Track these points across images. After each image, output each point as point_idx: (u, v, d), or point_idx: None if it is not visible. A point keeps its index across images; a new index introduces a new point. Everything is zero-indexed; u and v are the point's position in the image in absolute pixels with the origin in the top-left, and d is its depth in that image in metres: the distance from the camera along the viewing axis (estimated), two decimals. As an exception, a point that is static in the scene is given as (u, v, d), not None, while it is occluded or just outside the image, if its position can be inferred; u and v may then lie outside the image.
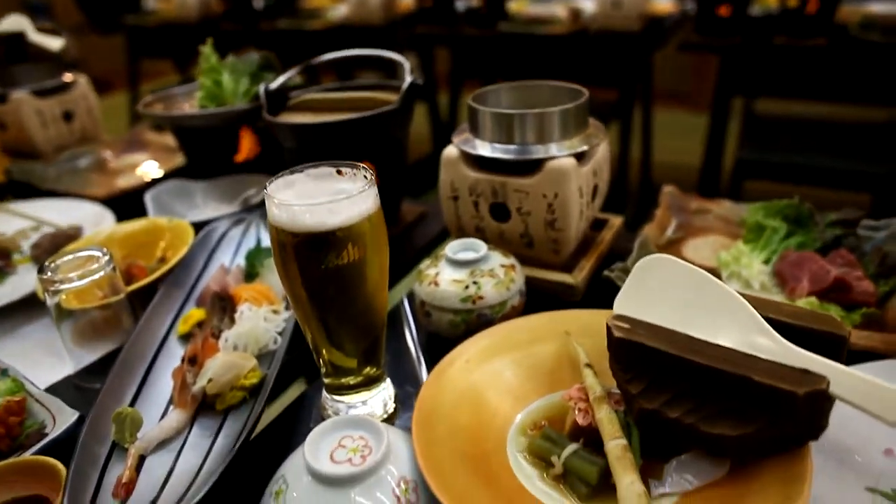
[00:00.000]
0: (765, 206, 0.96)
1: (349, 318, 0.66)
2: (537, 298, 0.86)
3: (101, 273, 0.79)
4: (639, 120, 3.18)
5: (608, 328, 0.63)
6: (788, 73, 2.53)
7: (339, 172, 0.66)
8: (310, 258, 0.61)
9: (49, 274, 0.77)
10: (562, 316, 0.77)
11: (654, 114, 3.33)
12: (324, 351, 0.69)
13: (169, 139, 1.59)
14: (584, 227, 0.90)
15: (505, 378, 0.72)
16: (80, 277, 0.78)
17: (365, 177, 0.64)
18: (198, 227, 1.03)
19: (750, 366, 0.56)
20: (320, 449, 0.58)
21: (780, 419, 0.55)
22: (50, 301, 0.79)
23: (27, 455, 0.66)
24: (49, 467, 0.64)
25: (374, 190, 0.63)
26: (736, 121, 2.83)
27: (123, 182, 1.38)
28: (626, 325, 0.63)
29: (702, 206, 1.05)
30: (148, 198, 1.16)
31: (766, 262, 0.90)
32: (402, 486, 0.57)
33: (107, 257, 0.81)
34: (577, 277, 0.88)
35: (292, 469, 0.59)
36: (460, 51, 3.57)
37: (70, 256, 0.81)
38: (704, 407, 0.58)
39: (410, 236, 1.13)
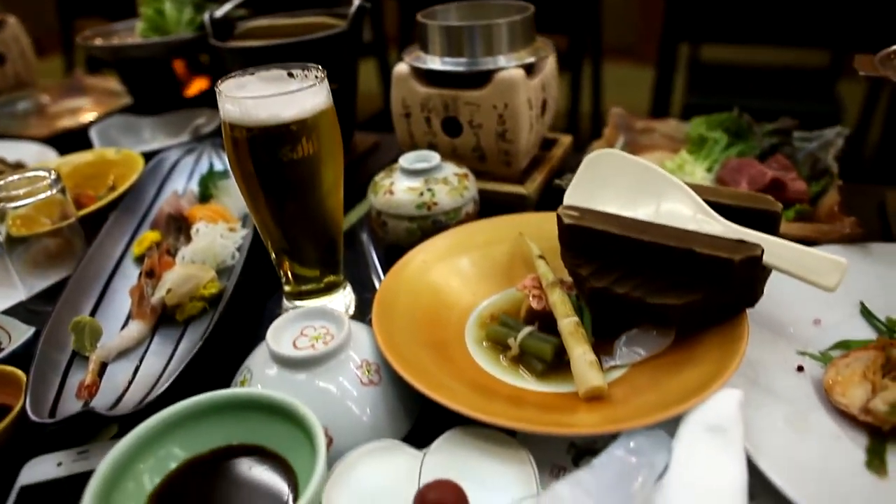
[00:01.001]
0: (706, 120, 1.00)
1: (307, 218, 0.67)
2: (491, 211, 0.87)
3: (50, 192, 0.78)
4: (588, 74, 3.21)
5: (558, 217, 0.65)
6: (733, 16, 2.58)
7: (290, 75, 0.66)
8: (265, 153, 0.61)
9: (-4, 193, 0.76)
10: (516, 219, 0.79)
11: (603, 67, 3.36)
12: (284, 259, 0.70)
13: (111, 83, 1.54)
14: (534, 141, 0.92)
15: (461, 275, 0.74)
16: (27, 196, 0.76)
17: (316, 76, 0.64)
18: (148, 158, 1.01)
19: (691, 240, 0.60)
20: (282, 338, 0.60)
21: (720, 287, 0.58)
22: (-1, 226, 0.78)
23: (-17, 367, 0.66)
24: (7, 374, 0.64)
25: (326, 86, 0.64)
26: (682, 73, 2.88)
27: (65, 123, 1.33)
28: (575, 213, 0.65)
29: (648, 125, 1.08)
30: (94, 132, 1.14)
31: (709, 170, 0.93)
32: (364, 367, 0.59)
33: (54, 176, 0.79)
34: (529, 188, 0.90)
35: (256, 360, 0.61)
36: (408, 4, 3.52)
37: (16, 177, 0.79)
38: (651, 281, 0.61)
39: (364, 165, 1.14)
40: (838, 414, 0.56)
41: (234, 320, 0.71)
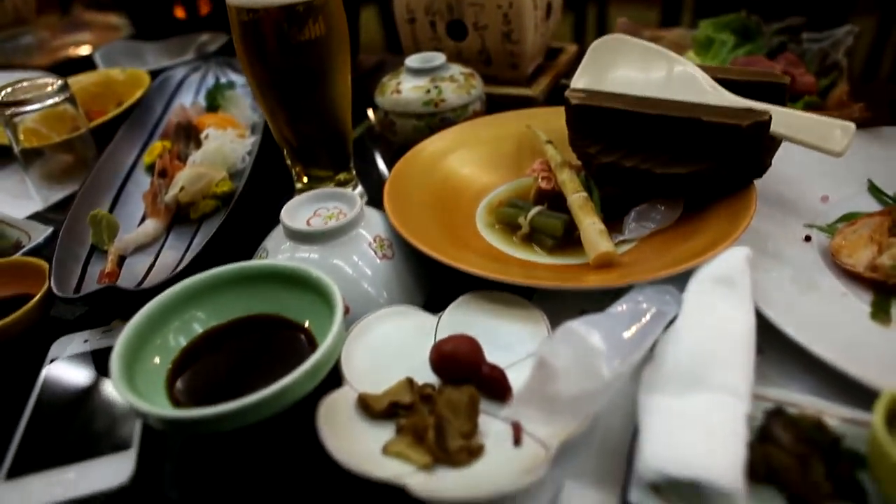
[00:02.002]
0: (714, 22, 0.99)
1: (315, 106, 0.67)
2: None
3: (58, 98, 0.78)
4: (593, 17, 3.15)
5: (565, 99, 0.66)
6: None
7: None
8: (272, 35, 0.61)
9: (4, 97, 0.76)
10: (523, 113, 0.80)
11: (609, 11, 3.30)
12: (295, 156, 0.70)
13: (111, 18, 1.53)
14: (539, 45, 0.92)
15: (471, 166, 0.75)
16: (35, 101, 0.77)
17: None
18: (153, 77, 1.01)
19: (699, 110, 0.60)
20: (297, 216, 0.61)
21: (728, 155, 0.59)
22: (11, 137, 0.78)
23: (5, 260, 0.67)
24: (31, 265, 0.65)
25: (331, -33, 0.63)
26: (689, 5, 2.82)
27: (68, 53, 1.33)
28: (582, 94, 0.65)
29: (655, 34, 1.07)
30: (98, 56, 1.13)
31: (716, 70, 0.93)
32: (378, 242, 0.60)
33: (60, 83, 0.80)
34: (535, 90, 0.90)
35: (272, 239, 0.62)
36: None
37: (25, 83, 0.79)
38: (658, 154, 0.61)
39: (368, 83, 1.13)
40: (844, 275, 0.57)
41: (248, 211, 0.72)
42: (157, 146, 0.86)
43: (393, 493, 0.41)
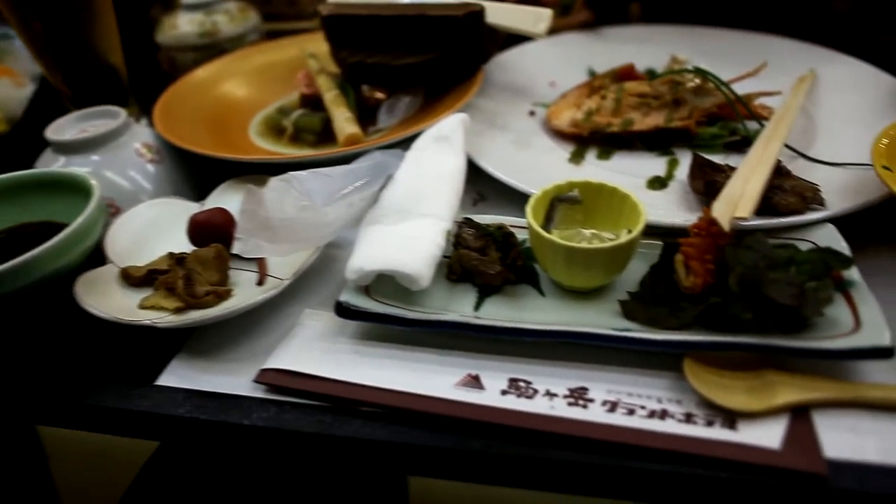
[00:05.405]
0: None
1: (82, 45, 0.69)
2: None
3: None
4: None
5: (318, 12, 0.73)
6: None
7: None
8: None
9: None
10: (297, 39, 0.86)
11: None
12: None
13: None
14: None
15: (247, 87, 0.81)
16: None
17: None
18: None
19: (424, 8, 0.69)
20: (63, 133, 0.64)
21: (451, 43, 0.68)
22: None
23: None
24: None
25: None
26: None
27: None
28: (332, 6, 0.73)
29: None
30: None
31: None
32: (145, 148, 0.64)
33: None
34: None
35: (42, 160, 0.65)
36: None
37: None
38: (396, 50, 0.70)
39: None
40: (555, 135, 0.68)
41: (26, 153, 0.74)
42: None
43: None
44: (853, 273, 0.45)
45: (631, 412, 0.40)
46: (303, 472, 0.56)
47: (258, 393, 0.45)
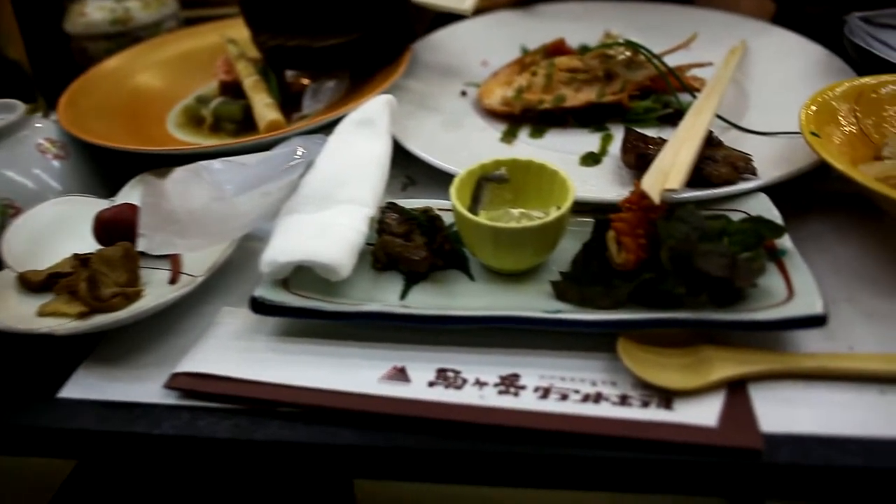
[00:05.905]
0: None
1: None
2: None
3: None
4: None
5: (235, -5, 0.69)
6: None
7: None
8: None
9: None
10: (219, 24, 0.82)
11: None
12: None
13: None
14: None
15: (165, 77, 0.76)
16: None
17: None
18: None
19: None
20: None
21: (374, 22, 0.66)
22: None
23: None
24: None
25: None
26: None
27: None
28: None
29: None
30: None
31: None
32: (48, 143, 0.60)
33: None
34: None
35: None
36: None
37: None
38: (317, 32, 0.67)
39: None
40: (486, 115, 0.66)
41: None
42: None
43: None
44: (786, 241, 0.44)
45: (564, 397, 0.39)
46: (247, 479, 0.53)
47: (170, 399, 0.42)
